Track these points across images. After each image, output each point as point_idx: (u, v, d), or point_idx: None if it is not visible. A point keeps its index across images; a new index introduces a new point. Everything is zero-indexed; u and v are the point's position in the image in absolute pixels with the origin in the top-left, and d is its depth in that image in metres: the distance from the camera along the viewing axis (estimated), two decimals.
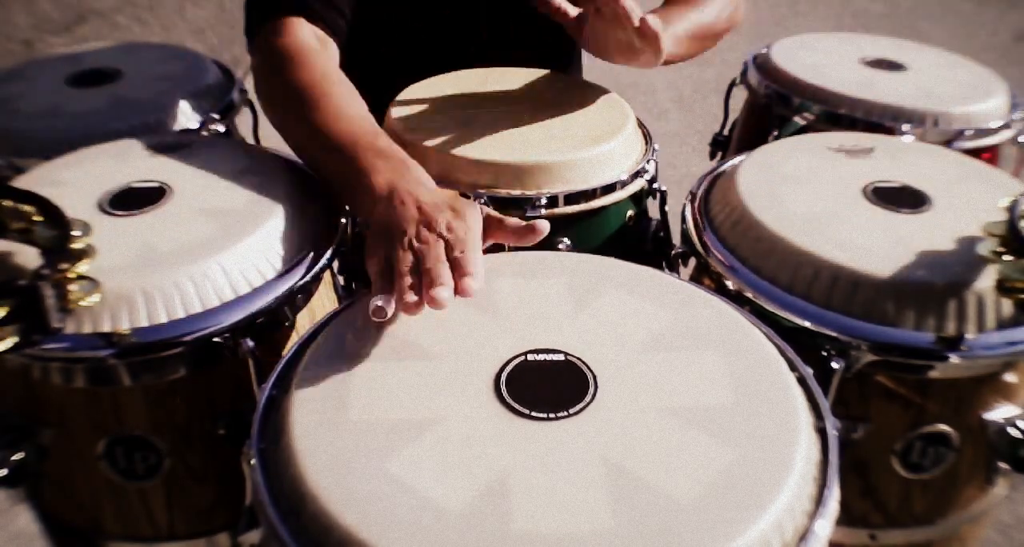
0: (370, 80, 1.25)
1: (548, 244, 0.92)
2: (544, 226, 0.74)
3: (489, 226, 0.74)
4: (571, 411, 0.58)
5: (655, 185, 1.01)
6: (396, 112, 1.00)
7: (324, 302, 0.88)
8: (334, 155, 0.82)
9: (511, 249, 0.77)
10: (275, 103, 0.92)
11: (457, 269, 0.67)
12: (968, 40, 3.97)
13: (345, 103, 0.87)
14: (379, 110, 1.04)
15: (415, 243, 0.69)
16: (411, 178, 0.77)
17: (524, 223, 0.74)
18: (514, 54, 1.17)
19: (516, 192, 0.90)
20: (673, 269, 0.99)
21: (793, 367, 0.64)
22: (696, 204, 0.93)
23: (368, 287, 0.72)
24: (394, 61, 1.20)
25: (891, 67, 1.28)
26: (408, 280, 0.66)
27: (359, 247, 1.02)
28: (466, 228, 0.70)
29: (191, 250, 0.76)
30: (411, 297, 0.64)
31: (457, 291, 0.65)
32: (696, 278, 0.91)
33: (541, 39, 1.20)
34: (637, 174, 0.97)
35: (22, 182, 0.85)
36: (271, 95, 0.92)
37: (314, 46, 0.93)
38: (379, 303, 0.65)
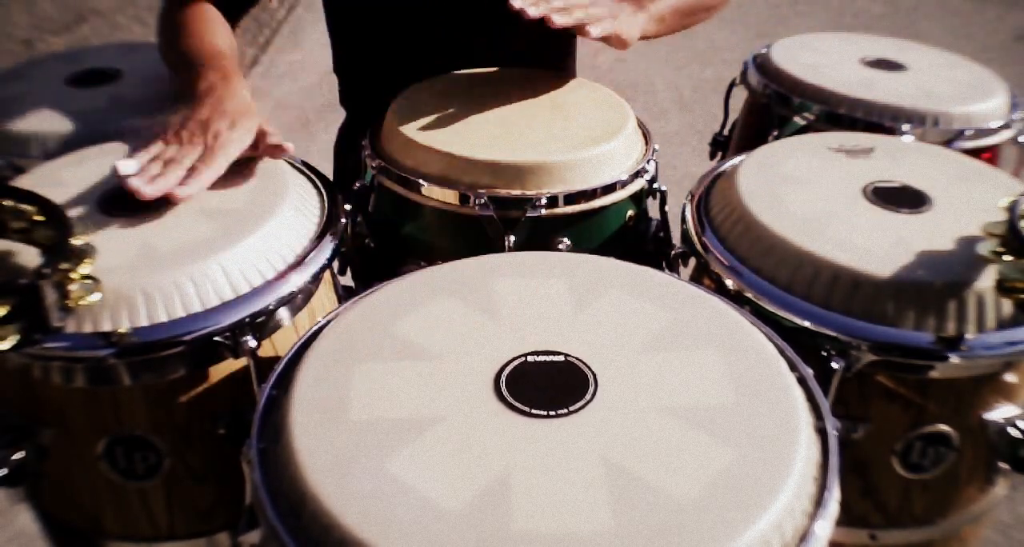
0: (370, 80, 1.25)
1: (548, 244, 0.92)
2: (289, 148, 0.87)
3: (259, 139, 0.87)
4: (571, 410, 0.58)
5: (655, 185, 1.01)
6: (396, 112, 1.00)
7: (324, 302, 0.88)
8: (187, 70, 0.95)
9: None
10: (160, 34, 1.08)
11: (187, 175, 0.80)
12: (968, 40, 3.97)
13: (203, 24, 1.02)
14: (379, 110, 1.04)
15: (183, 135, 0.84)
16: (230, 88, 0.89)
17: (277, 141, 0.86)
18: (511, 52, 1.17)
19: (516, 192, 0.90)
20: (673, 269, 0.99)
21: (793, 367, 0.64)
22: (696, 204, 0.93)
23: (368, 286, 0.72)
24: (394, 61, 1.21)
25: (891, 67, 1.28)
26: (152, 159, 0.82)
27: (359, 247, 1.02)
28: (230, 141, 0.83)
29: (191, 250, 0.76)
30: (136, 177, 0.79)
31: (168, 194, 0.79)
32: (696, 278, 0.91)
33: (535, 37, 1.21)
34: (637, 174, 0.97)
35: (22, 182, 0.85)
36: (160, 28, 1.08)
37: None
38: (124, 164, 0.79)
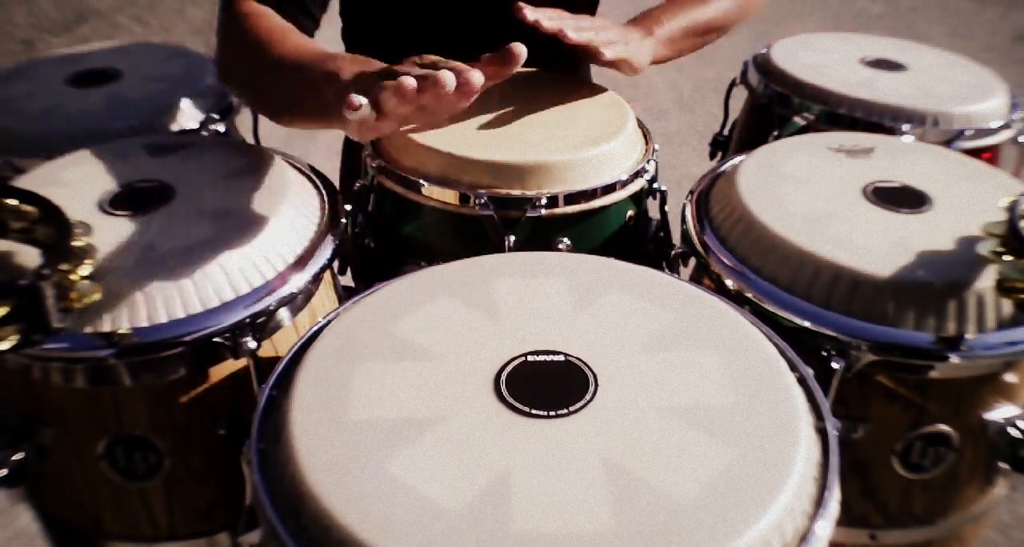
0: None
1: (548, 244, 0.92)
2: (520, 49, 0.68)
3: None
4: (571, 410, 0.58)
5: (655, 185, 1.01)
6: None
7: (324, 302, 0.88)
8: (297, 73, 0.78)
9: None
10: (237, 48, 0.90)
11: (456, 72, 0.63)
12: (968, 40, 3.97)
13: (298, 38, 0.87)
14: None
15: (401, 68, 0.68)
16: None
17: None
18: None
19: (516, 192, 0.90)
20: (673, 269, 0.99)
21: (793, 367, 0.64)
22: (696, 204, 0.93)
23: (368, 286, 0.72)
24: (394, 61, 1.21)
25: (891, 67, 1.28)
26: (405, 73, 0.63)
27: (359, 247, 1.02)
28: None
29: (191, 250, 0.76)
30: (408, 81, 0.61)
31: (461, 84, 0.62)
32: (696, 278, 0.91)
33: (545, 41, 1.21)
34: (637, 174, 0.97)
35: (22, 182, 0.85)
36: (237, 46, 0.90)
37: (275, 14, 0.92)
38: (355, 97, 0.61)
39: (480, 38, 1.18)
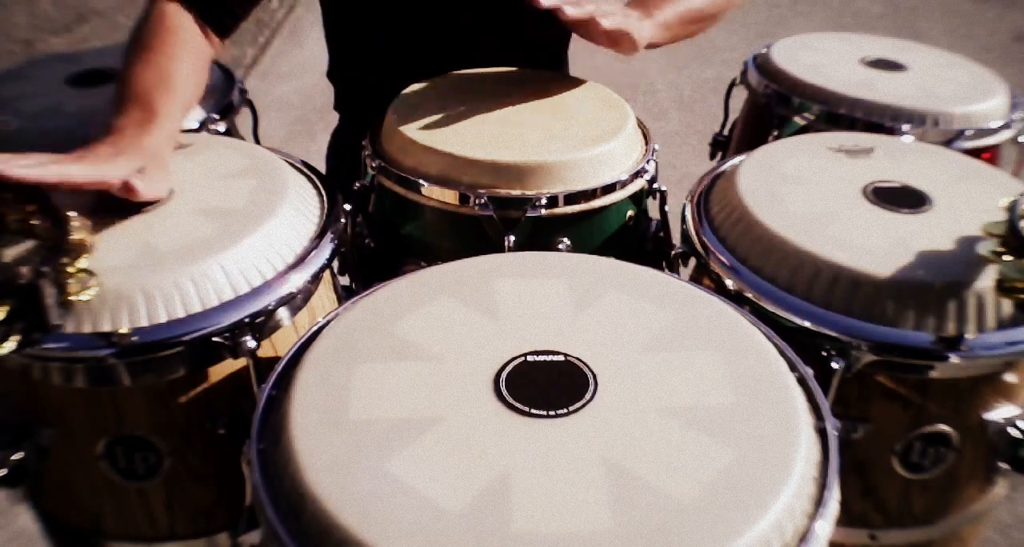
0: (370, 80, 1.25)
1: (548, 244, 0.92)
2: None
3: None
4: (571, 410, 0.58)
5: (655, 185, 1.01)
6: (396, 111, 1.00)
7: (324, 302, 0.88)
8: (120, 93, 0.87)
9: None
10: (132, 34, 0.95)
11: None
12: (968, 40, 3.97)
13: (142, 79, 0.89)
14: (375, 112, 1.04)
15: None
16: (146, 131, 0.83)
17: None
18: (502, 52, 1.17)
19: (516, 192, 0.90)
20: (673, 269, 0.99)
21: (793, 367, 0.64)
22: (696, 204, 0.93)
23: (368, 286, 0.72)
24: (393, 61, 1.21)
25: (891, 67, 1.28)
26: None
27: (359, 247, 1.02)
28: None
29: (191, 250, 0.76)
30: None
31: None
32: (696, 278, 0.91)
33: (529, 37, 1.21)
34: (637, 174, 0.97)
35: None
36: (132, 32, 0.96)
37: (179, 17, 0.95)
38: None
39: (461, 37, 1.19)
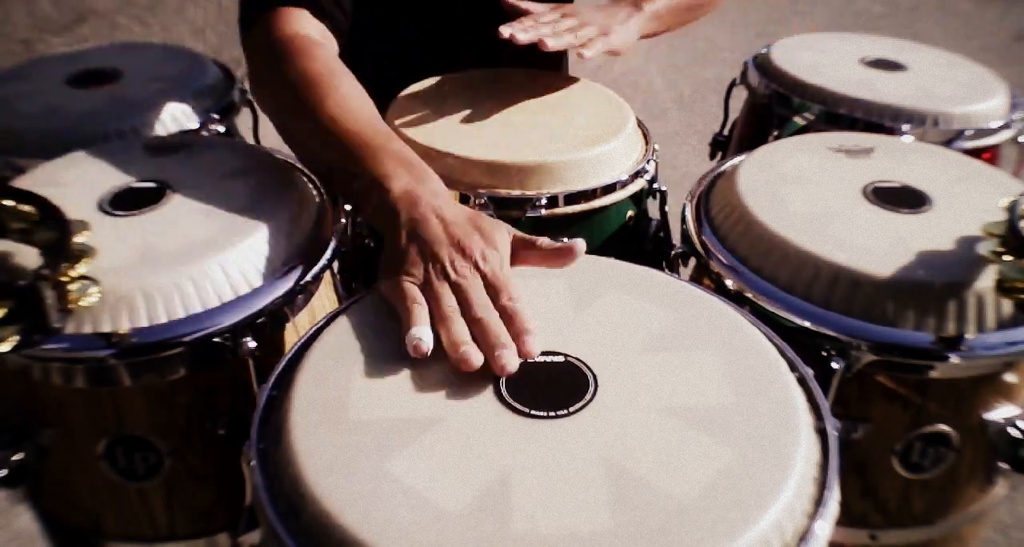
0: (370, 80, 1.25)
1: None
2: (580, 246, 0.68)
3: (517, 250, 0.69)
4: (571, 410, 0.58)
5: (655, 185, 1.01)
6: (396, 112, 1.00)
7: (324, 302, 0.87)
8: (343, 154, 0.75)
9: None
10: (276, 95, 0.85)
11: (512, 322, 0.61)
12: (968, 40, 3.97)
13: (354, 99, 0.81)
14: (379, 110, 1.04)
15: (451, 275, 0.63)
16: (430, 189, 0.70)
17: (556, 244, 0.68)
18: (502, 53, 1.17)
19: (516, 192, 0.90)
20: (673, 269, 0.99)
21: (793, 367, 0.64)
22: (696, 204, 0.93)
23: (367, 286, 0.72)
24: (393, 61, 1.21)
25: (891, 67, 1.28)
26: (456, 327, 0.61)
27: (359, 247, 1.02)
28: (500, 259, 0.65)
29: (191, 250, 0.76)
30: (473, 358, 0.58)
31: (521, 353, 0.59)
32: (696, 278, 0.91)
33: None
34: (637, 174, 0.97)
35: (22, 182, 0.85)
36: (271, 86, 0.86)
37: (318, 39, 0.90)
38: (420, 339, 0.60)
39: (460, 38, 1.19)
